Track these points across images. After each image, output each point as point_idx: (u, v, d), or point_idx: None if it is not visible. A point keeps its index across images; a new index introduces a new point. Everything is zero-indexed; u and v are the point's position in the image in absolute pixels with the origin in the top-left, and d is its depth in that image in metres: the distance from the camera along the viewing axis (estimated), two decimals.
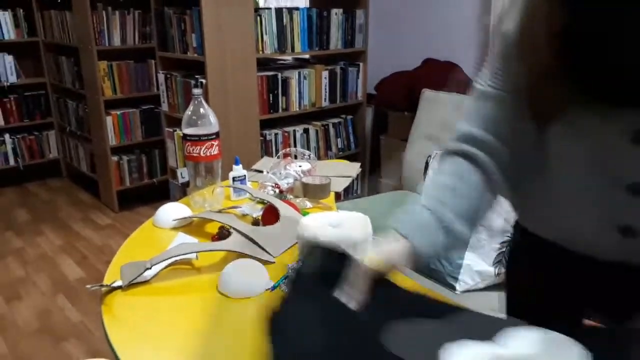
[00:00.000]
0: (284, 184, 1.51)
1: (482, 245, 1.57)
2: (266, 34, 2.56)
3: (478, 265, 1.57)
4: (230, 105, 2.50)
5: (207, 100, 2.44)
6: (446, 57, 2.68)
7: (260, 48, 2.58)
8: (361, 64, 3.03)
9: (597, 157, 0.71)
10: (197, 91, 1.39)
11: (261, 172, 1.65)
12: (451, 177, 0.79)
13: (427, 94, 2.43)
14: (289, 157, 1.64)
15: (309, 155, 1.69)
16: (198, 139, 1.38)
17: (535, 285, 0.92)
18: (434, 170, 0.80)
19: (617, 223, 0.73)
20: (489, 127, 0.79)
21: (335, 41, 2.87)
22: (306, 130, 2.92)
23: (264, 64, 2.81)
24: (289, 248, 1.19)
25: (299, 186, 1.52)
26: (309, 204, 1.43)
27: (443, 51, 2.71)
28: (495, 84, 0.79)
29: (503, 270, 1.57)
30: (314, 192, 1.50)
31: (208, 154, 1.40)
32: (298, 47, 2.71)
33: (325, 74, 2.86)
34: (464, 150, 0.79)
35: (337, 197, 3.10)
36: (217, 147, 1.41)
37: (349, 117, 3.12)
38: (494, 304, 1.52)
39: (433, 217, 0.76)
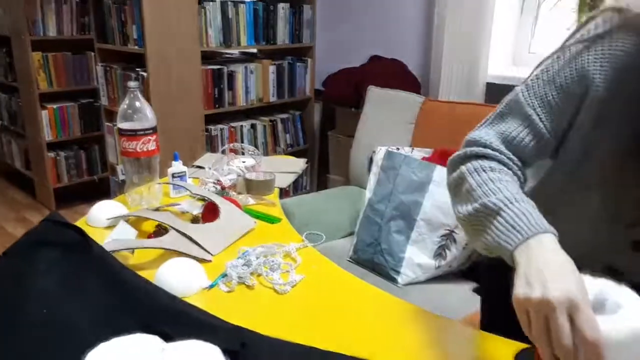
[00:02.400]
0: (227, 181, 1.48)
1: (423, 239, 1.60)
2: (211, 27, 2.51)
3: (419, 258, 1.60)
4: (172, 99, 2.43)
5: (148, 95, 2.37)
6: (392, 54, 2.72)
7: (205, 41, 2.52)
8: (309, 60, 3.02)
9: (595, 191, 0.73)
10: (132, 84, 1.33)
11: (203, 168, 1.61)
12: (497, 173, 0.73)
13: (373, 90, 2.45)
14: (232, 153, 1.61)
15: (254, 151, 1.66)
16: (134, 134, 1.33)
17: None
18: (471, 173, 0.73)
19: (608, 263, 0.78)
20: (511, 147, 0.75)
21: (283, 36, 2.84)
22: (253, 126, 2.88)
23: (209, 57, 2.75)
24: (228, 245, 1.16)
25: (242, 182, 1.50)
26: (251, 201, 1.41)
27: (389, 48, 2.74)
28: (546, 120, 0.74)
29: (443, 262, 1.61)
30: (257, 188, 1.48)
31: (145, 150, 1.35)
32: (244, 40, 2.67)
33: (272, 68, 2.84)
34: (487, 154, 0.74)
35: (286, 193, 3.08)
36: (154, 143, 1.36)
37: (297, 113, 3.10)
38: (434, 296, 1.56)
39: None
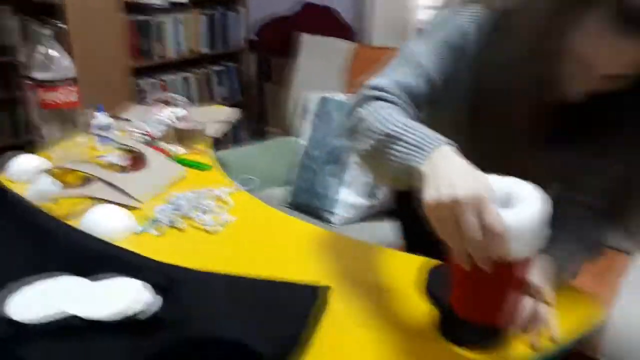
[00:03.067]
0: (156, 131, 1.45)
1: (356, 180, 1.65)
2: None
3: (352, 198, 1.66)
4: (95, 53, 2.32)
5: (69, 48, 2.24)
6: (324, 1, 2.69)
7: None
8: (241, 9, 2.93)
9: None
10: (46, 32, 1.27)
11: (130, 120, 1.57)
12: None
13: (305, 38, 2.43)
14: (161, 104, 1.58)
15: (183, 101, 1.63)
16: (52, 84, 1.28)
17: None
18: (369, 111, 0.77)
19: None
20: (406, 93, 0.79)
21: None
22: (186, 79, 2.80)
23: (136, 7, 2.62)
24: (158, 193, 1.16)
25: (171, 132, 1.48)
26: (182, 150, 1.39)
27: None
28: (435, 67, 0.80)
29: (375, 202, 1.68)
30: (188, 137, 1.47)
31: (65, 100, 1.30)
32: None
33: (203, 18, 2.74)
34: (384, 97, 0.78)
35: (223, 146, 3.05)
36: (74, 94, 1.32)
37: (232, 64, 3.04)
38: (365, 233, 1.63)
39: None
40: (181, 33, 2.67)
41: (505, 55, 0.76)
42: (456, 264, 0.63)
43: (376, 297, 0.81)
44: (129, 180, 1.16)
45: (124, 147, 1.31)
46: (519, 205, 0.61)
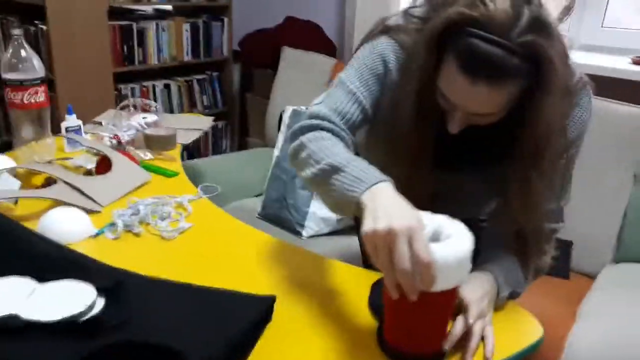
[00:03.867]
0: (125, 136, 1.45)
1: None
2: None
3: (322, 212, 1.66)
4: (77, 56, 2.31)
5: (49, 50, 2.24)
6: (307, 16, 2.72)
7: None
8: (225, 19, 2.96)
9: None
10: (16, 32, 1.27)
11: (100, 124, 1.57)
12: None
13: (287, 52, 2.46)
14: (131, 108, 1.58)
15: (156, 107, 1.64)
16: (20, 84, 1.28)
17: None
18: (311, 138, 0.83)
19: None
20: (343, 120, 0.86)
21: None
22: (167, 86, 2.81)
23: (120, 13, 2.63)
24: (120, 197, 1.16)
25: (140, 137, 1.48)
26: (149, 155, 1.40)
27: (304, 11, 2.74)
28: (365, 95, 0.87)
29: (345, 216, 1.69)
30: (157, 143, 1.47)
31: (33, 101, 1.30)
32: None
33: (186, 26, 2.76)
34: (323, 126, 0.84)
35: (203, 155, 3.04)
36: (43, 94, 1.32)
37: (215, 73, 3.05)
38: (335, 246, 1.63)
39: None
40: (164, 40, 2.68)
41: (403, 89, 0.83)
42: (388, 295, 0.65)
43: (323, 308, 0.82)
44: (92, 184, 1.16)
45: (91, 150, 1.31)
46: (447, 240, 0.65)
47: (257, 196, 1.96)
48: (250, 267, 0.93)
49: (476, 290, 0.77)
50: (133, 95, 2.64)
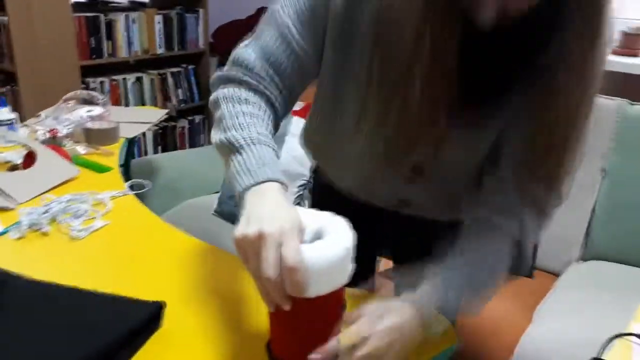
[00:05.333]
0: (63, 129, 1.39)
1: None
2: None
3: None
4: (40, 48, 2.26)
5: (9, 42, 2.18)
6: None
7: None
8: (201, 10, 2.89)
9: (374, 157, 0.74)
10: None
11: (39, 117, 1.51)
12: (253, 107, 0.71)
13: None
14: (74, 101, 1.52)
15: (103, 100, 1.57)
16: None
17: None
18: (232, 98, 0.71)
19: (398, 196, 0.84)
20: (269, 64, 0.72)
21: None
22: (139, 79, 2.75)
23: (90, 4, 2.57)
24: (41, 193, 1.10)
25: (79, 132, 1.42)
26: (81, 150, 1.34)
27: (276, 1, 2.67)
28: (301, 35, 0.71)
29: None
30: (97, 137, 1.41)
31: None
32: None
33: (158, 18, 2.69)
34: (243, 80, 0.72)
35: (165, 146, 2.95)
36: None
37: (191, 66, 2.99)
38: None
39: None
40: (135, 32, 2.62)
41: None
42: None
43: (224, 315, 0.76)
44: (13, 180, 1.10)
45: (17, 144, 1.25)
46: (321, 241, 0.58)
47: (216, 192, 1.89)
48: (159, 269, 0.87)
49: (383, 323, 0.61)
50: (102, 89, 2.59)
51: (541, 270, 1.58)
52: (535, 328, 1.27)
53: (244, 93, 0.72)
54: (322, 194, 0.98)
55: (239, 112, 0.69)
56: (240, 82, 0.72)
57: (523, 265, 1.53)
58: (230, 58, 0.75)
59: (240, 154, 0.65)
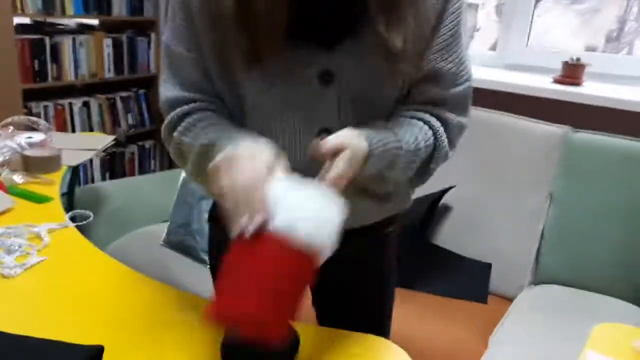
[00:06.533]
0: None
1: None
2: None
3: None
4: None
5: None
6: None
7: (19, 7, 2.25)
8: (152, 34, 2.84)
9: (290, 101, 0.72)
10: None
11: None
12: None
13: None
14: (13, 127, 1.44)
15: (45, 126, 1.50)
16: None
17: None
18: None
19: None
20: (193, 88, 0.74)
21: (119, 7, 2.63)
22: (86, 104, 2.65)
23: (35, 27, 2.47)
24: None
25: (18, 159, 1.34)
26: (18, 179, 1.25)
27: None
28: (184, 45, 0.72)
29: None
30: (36, 165, 1.33)
31: None
32: (70, 9, 2.43)
33: (107, 42, 2.62)
34: (185, 111, 0.73)
35: (113, 173, 2.84)
36: None
37: (142, 90, 2.91)
38: None
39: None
40: (82, 56, 2.53)
41: None
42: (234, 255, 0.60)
43: (173, 352, 0.71)
44: None
45: None
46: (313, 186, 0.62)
47: (165, 222, 1.82)
48: (100, 308, 0.81)
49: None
50: (46, 114, 2.47)
51: (494, 295, 1.60)
52: (492, 354, 1.26)
53: (192, 119, 0.73)
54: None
55: (199, 131, 0.72)
56: (184, 115, 0.74)
57: (478, 291, 1.52)
58: (163, 109, 0.76)
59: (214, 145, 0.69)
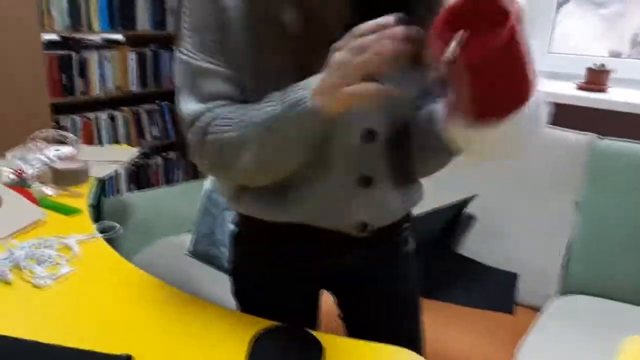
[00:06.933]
0: (31, 170, 1.35)
1: None
2: (53, 6, 2.31)
3: None
4: (8, 85, 2.21)
5: None
6: None
7: (47, 24, 2.32)
8: (175, 48, 2.89)
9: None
10: None
11: (5, 157, 1.46)
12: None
13: None
14: (43, 140, 1.48)
15: (73, 140, 1.54)
16: None
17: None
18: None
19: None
20: (220, 101, 0.70)
21: (143, 22, 2.70)
22: (112, 117, 2.71)
23: (64, 44, 2.54)
24: (3, 238, 1.05)
25: (47, 172, 1.38)
26: (50, 192, 1.29)
27: None
28: (214, 60, 0.69)
29: None
30: (65, 178, 1.37)
31: None
32: (96, 25, 2.49)
33: (132, 56, 2.68)
34: (212, 116, 0.69)
35: (139, 185, 2.88)
36: None
37: (165, 103, 2.97)
38: None
39: None
40: (108, 70, 2.60)
41: None
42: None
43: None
44: None
45: None
46: None
47: (189, 232, 1.85)
48: (129, 318, 0.83)
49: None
50: (74, 127, 2.54)
51: (519, 305, 1.57)
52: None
53: (221, 116, 0.69)
54: (250, 243, 0.91)
55: (241, 115, 0.68)
56: (211, 121, 0.69)
57: (504, 301, 1.48)
58: (187, 123, 0.71)
59: (278, 118, 0.64)
